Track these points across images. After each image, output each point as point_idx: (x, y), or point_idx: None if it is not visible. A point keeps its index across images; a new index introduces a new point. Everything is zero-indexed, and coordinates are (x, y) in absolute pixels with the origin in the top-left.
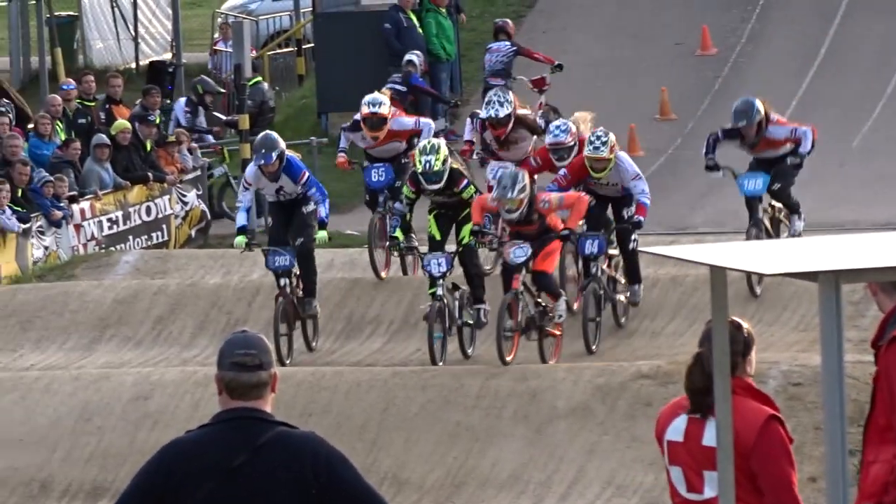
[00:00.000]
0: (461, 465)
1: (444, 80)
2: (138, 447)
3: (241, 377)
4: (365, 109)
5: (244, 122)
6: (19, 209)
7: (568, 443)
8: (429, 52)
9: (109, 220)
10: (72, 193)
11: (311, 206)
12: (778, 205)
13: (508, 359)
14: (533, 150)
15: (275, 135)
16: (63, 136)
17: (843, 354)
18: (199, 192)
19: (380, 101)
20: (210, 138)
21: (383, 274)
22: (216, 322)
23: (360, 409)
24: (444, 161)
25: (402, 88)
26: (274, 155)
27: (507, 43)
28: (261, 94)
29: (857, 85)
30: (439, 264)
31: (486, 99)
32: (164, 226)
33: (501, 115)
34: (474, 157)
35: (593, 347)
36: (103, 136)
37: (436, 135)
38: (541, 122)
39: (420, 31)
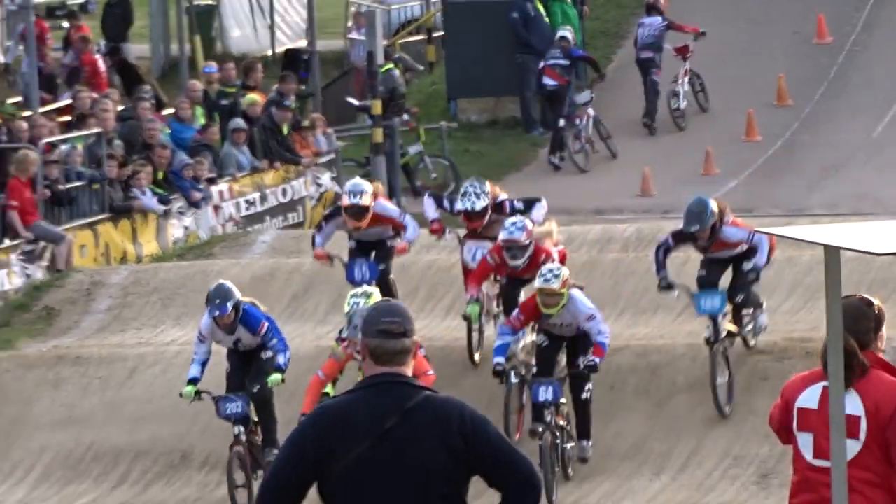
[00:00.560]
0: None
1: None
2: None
3: (386, 344)
4: (346, 200)
5: (376, 107)
6: (160, 191)
7: (687, 416)
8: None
9: (247, 201)
10: (210, 176)
11: (270, 353)
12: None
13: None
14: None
15: (229, 284)
16: (202, 121)
17: None
18: (334, 175)
19: (361, 189)
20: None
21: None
22: (338, 305)
23: None
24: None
25: (565, 62)
26: (229, 305)
27: (659, 18)
28: (392, 81)
29: None
30: None
31: (462, 190)
32: (299, 207)
33: (478, 207)
34: (447, 236)
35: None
36: (241, 120)
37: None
38: (686, 88)
39: (546, 20)
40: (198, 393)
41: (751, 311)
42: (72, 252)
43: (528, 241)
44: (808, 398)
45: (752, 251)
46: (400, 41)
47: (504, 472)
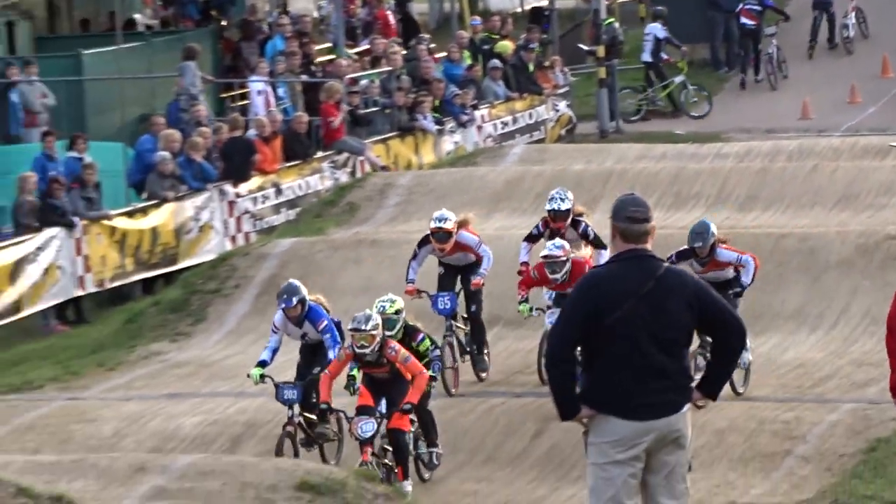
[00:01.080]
0: (760, 301)
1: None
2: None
3: (633, 227)
4: (433, 224)
5: (600, 51)
6: (436, 115)
7: (837, 287)
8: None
9: (502, 122)
10: (474, 103)
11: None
12: None
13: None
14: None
15: (297, 283)
16: (469, 61)
17: None
18: (568, 103)
19: (446, 217)
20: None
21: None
22: (579, 199)
23: None
24: (399, 311)
25: (758, 7)
26: (294, 300)
27: None
28: (613, 32)
29: None
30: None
31: (550, 195)
32: (541, 127)
33: (563, 208)
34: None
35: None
36: (497, 61)
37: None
38: (853, 21)
39: None
40: (262, 376)
41: None
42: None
43: (565, 258)
44: None
45: (738, 276)
46: (618, 1)
47: (719, 323)
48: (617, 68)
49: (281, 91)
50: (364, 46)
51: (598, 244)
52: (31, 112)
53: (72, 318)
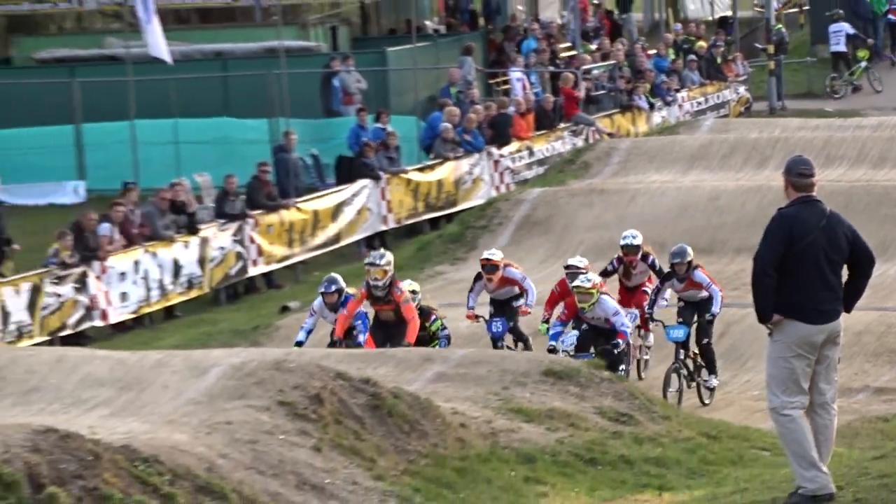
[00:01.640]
0: (889, 235)
1: (879, 26)
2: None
3: (802, 181)
4: (483, 256)
5: (770, 49)
6: (648, 97)
7: None
8: (872, 11)
9: (697, 102)
10: (676, 87)
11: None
12: (696, 355)
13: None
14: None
15: (337, 276)
16: (672, 56)
17: None
18: (746, 87)
19: (494, 253)
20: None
21: None
22: (753, 159)
23: None
24: (414, 292)
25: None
26: (333, 287)
27: None
28: (780, 34)
29: None
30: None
31: (623, 234)
32: (726, 106)
33: (634, 243)
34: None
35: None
36: (693, 56)
37: None
38: None
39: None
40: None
41: (710, 369)
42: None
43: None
44: None
45: (709, 300)
46: (784, 11)
47: (861, 252)
48: (783, 61)
49: (533, 78)
50: (594, 46)
51: (662, 276)
52: (349, 94)
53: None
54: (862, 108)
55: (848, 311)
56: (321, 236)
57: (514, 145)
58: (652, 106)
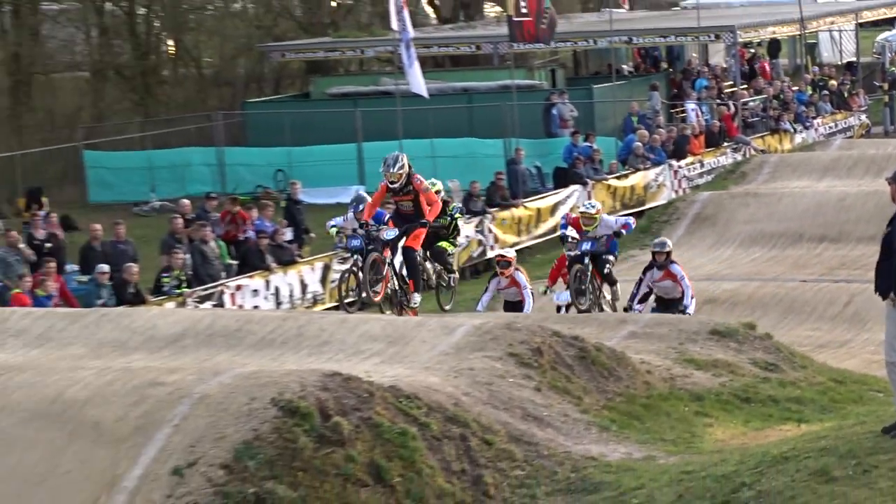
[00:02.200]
0: None
1: None
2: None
3: None
4: (498, 253)
5: (885, 86)
6: (791, 123)
7: None
8: None
9: (829, 127)
10: (813, 115)
11: None
12: None
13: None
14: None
15: (363, 192)
16: (810, 91)
17: None
18: (867, 115)
19: (509, 251)
20: None
21: None
22: (871, 170)
23: None
24: (438, 192)
25: None
26: (361, 206)
27: None
28: (893, 76)
29: None
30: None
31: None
32: (851, 129)
33: (592, 212)
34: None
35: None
36: (826, 91)
37: None
38: None
39: None
40: (338, 232)
41: None
42: (754, 146)
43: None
44: None
45: (681, 299)
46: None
47: None
48: (895, 96)
49: (704, 108)
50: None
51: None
52: (564, 120)
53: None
54: None
55: None
56: (542, 228)
57: (689, 159)
58: (794, 130)
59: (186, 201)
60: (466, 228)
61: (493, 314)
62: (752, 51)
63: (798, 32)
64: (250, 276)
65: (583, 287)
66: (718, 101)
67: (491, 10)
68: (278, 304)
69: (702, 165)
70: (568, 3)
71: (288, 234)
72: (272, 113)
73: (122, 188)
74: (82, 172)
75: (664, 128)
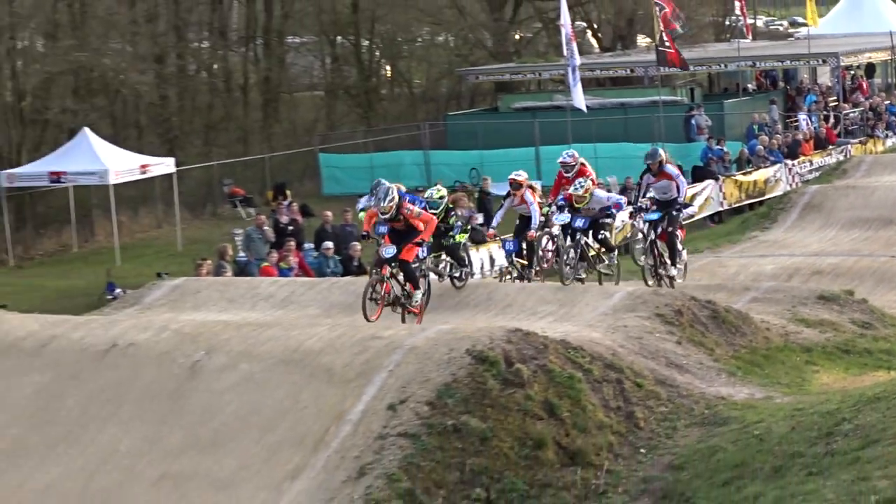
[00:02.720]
0: None
1: None
2: None
3: None
4: (510, 176)
5: None
6: (884, 130)
7: None
8: None
9: None
10: None
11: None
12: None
13: (373, 319)
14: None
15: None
16: None
17: None
18: None
19: (520, 173)
20: None
21: None
22: None
23: None
24: (441, 197)
25: None
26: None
27: None
28: None
29: None
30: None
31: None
32: None
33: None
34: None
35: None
36: None
37: None
38: None
39: None
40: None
41: (671, 258)
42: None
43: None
44: None
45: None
46: None
47: None
48: None
49: (812, 118)
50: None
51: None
52: (700, 128)
53: (716, 221)
54: None
55: None
56: (683, 214)
57: (800, 159)
58: (886, 135)
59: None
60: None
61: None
62: (853, 72)
63: (890, 57)
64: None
65: (579, 261)
66: (824, 112)
67: (643, 40)
68: (472, 274)
69: (811, 164)
70: (704, 35)
71: (480, 219)
72: (468, 123)
73: (348, 183)
74: (318, 171)
75: (781, 134)
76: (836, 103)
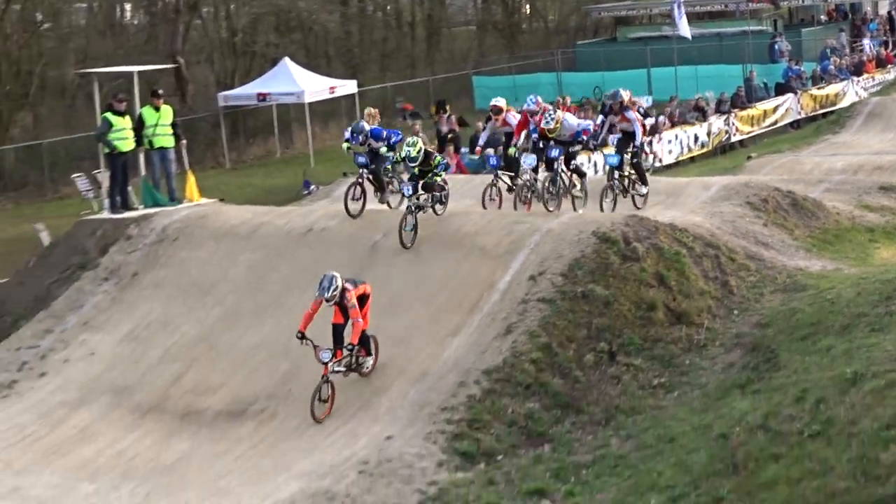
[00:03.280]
0: None
1: None
2: None
3: None
4: (492, 103)
5: None
6: None
7: None
8: None
9: None
10: None
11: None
12: (631, 173)
13: (320, 418)
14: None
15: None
16: None
17: None
18: None
19: (500, 100)
20: None
21: None
22: None
23: None
24: (420, 150)
25: None
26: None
27: None
28: None
29: None
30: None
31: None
32: None
33: (533, 108)
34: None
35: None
36: None
37: None
38: None
39: None
40: (349, 149)
41: (636, 180)
42: None
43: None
44: None
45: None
46: None
47: None
48: None
49: (875, 43)
50: None
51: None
52: (782, 52)
53: (795, 127)
54: None
55: None
56: (767, 121)
57: (864, 76)
58: None
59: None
60: (716, 122)
61: (734, 177)
62: None
63: None
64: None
65: (553, 189)
66: (884, 38)
67: None
68: (596, 171)
69: (873, 80)
70: None
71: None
72: (592, 50)
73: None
74: (471, 90)
75: (848, 56)
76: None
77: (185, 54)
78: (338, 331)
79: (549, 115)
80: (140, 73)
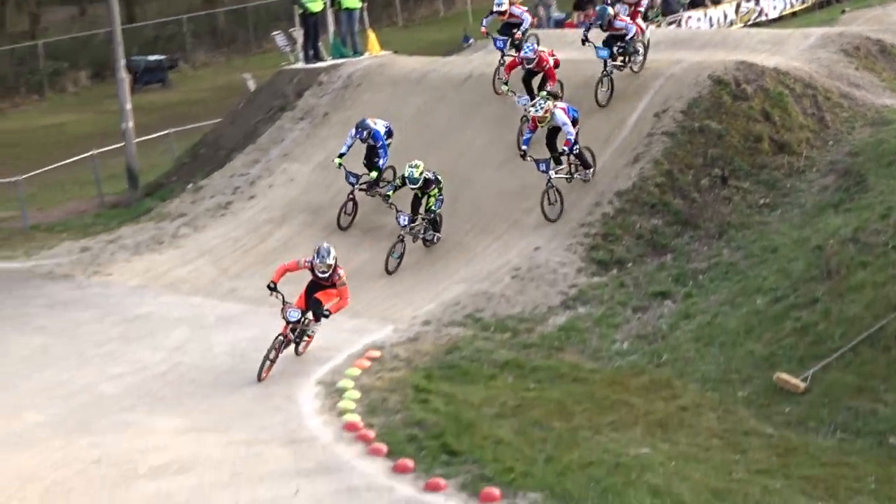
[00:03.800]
0: None
1: None
2: None
3: None
4: (495, 5)
5: None
6: None
7: None
8: None
9: None
10: None
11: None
12: (619, 63)
13: (264, 376)
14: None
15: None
16: None
17: None
18: None
19: (503, 2)
20: None
21: None
22: None
23: None
24: (422, 173)
25: None
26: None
27: None
28: None
29: None
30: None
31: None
32: None
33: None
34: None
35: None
36: None
37: None
38: None
39: None
40: (339, 165)
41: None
42: None
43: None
44: None
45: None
46: None
47: None
48: None
49: None
50: None
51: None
52: None
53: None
54: None
55: None
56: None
57: None
58: None
59: None
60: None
61: (828, 28)
62: None
63: None
64: (695, 9)
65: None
66: None
67: None
68: (710, 25)
69: None
70: None
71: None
72: None
73: None
74: None
75: None
76: None
77: None
78: (312, 291)
79: (540, 104)
80: None
